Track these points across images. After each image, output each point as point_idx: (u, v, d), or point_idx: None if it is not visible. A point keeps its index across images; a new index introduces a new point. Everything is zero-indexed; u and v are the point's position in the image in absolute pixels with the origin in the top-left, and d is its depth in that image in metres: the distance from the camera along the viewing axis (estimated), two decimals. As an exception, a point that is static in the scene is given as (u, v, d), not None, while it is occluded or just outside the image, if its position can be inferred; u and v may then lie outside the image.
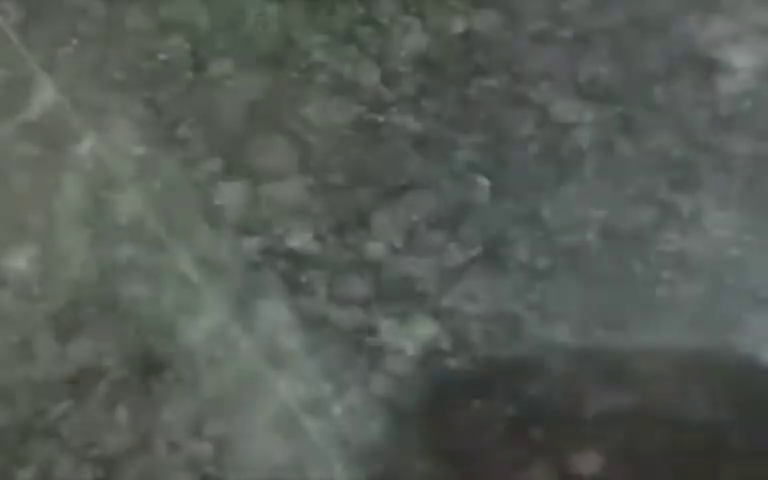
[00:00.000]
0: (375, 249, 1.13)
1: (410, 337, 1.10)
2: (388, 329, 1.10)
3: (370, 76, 1.19)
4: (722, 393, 1.06)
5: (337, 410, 1.08)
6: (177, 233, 1.15)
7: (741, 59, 1.16)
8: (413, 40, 1.20)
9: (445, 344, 1.09)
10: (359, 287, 1.12)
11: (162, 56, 1.20)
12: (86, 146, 1.18)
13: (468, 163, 1.15)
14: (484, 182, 1.15)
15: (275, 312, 1.12)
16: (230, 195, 1.16)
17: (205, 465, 1.07)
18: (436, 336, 1.10)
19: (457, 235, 1.13)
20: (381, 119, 1.17)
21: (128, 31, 1.21)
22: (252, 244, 1.14)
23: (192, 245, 1.14)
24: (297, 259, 1.13)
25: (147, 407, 1.09)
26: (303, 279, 1.13)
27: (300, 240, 1.14)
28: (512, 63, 1.18)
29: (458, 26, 1.20)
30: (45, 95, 1.20)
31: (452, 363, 1.09)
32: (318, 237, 1.14)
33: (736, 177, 1.13)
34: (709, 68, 1.16)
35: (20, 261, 1.14)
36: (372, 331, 1.11)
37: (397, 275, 1.12)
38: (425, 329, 1.10)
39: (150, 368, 1.11)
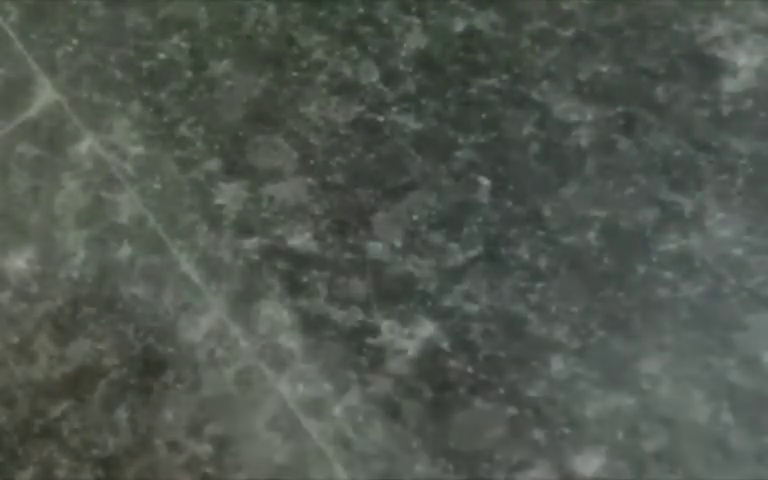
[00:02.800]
0: (375, 249, 1.13)
1: (410, 337, 1.10)
2: (388, 329, 1.10)
3: (370, 76, 1.19)
4: (722, 393, 1.06)
5: (337, 410, 1.08)
6: (177, 233, 1.15)
7: (743, 58, 1.16)
8: (414, 40, 1.20)
9: (445, 344, 1.10)
10: (359, 287, 1.12)
11: (162, 56, 1.20)
12: (86, 146, 1.18)
13: (469, 163, 1.15)
14: (485, 182, 1.15)
15: (275, 312, 1.12)
16: (230, 195, 1.16)
17: (205, 465, 1.08)
18: (436, 336, 1.10)
19: (457, 235, 1.13)
20: (381, 119, 1.17)
21: (128, 31, 1.21)
22: (252, 244, 1.14)
23: (192, 245, 1.14)
24: (297, 259, 1.13)
25: (147, 407, 1.09)
26: (303, 279, 1.13)
27: (300, 240, 1.14)
28: (513, 63, 1.18)
29: (459, 26, 1.20)
30: (45, 95, 1.20)
31: (452, 363, 1.09)
32: (318, 237, 1.14)
33: (737, 177, 1.13)
34: (711, 67, 1.16)
35: (20, 261, 1.15)
36: (372, 331, 1.11)
37: (397, 275, 1.12)
38: (425, 329, 1.10)
39: (150, 368, 1.11)
